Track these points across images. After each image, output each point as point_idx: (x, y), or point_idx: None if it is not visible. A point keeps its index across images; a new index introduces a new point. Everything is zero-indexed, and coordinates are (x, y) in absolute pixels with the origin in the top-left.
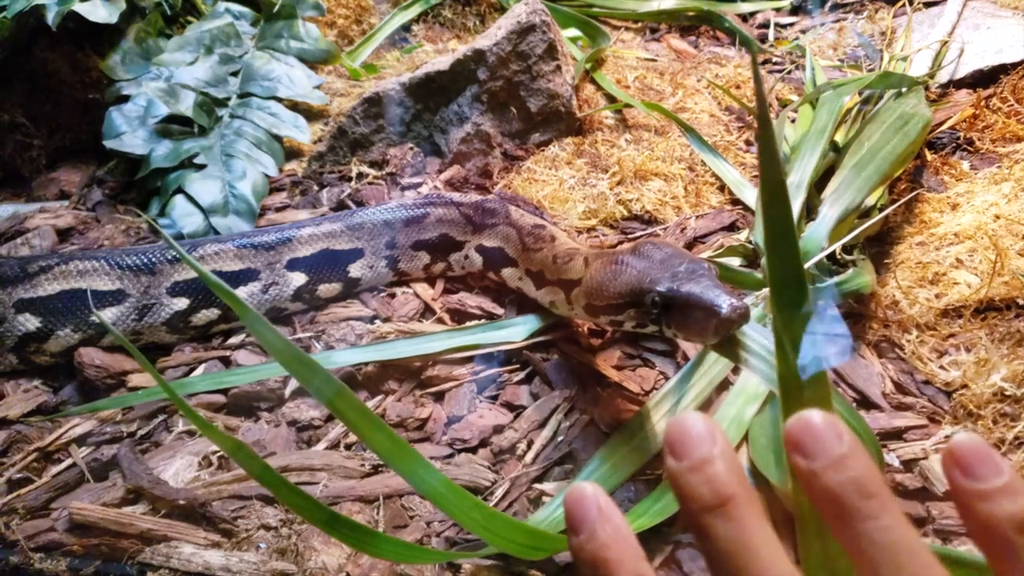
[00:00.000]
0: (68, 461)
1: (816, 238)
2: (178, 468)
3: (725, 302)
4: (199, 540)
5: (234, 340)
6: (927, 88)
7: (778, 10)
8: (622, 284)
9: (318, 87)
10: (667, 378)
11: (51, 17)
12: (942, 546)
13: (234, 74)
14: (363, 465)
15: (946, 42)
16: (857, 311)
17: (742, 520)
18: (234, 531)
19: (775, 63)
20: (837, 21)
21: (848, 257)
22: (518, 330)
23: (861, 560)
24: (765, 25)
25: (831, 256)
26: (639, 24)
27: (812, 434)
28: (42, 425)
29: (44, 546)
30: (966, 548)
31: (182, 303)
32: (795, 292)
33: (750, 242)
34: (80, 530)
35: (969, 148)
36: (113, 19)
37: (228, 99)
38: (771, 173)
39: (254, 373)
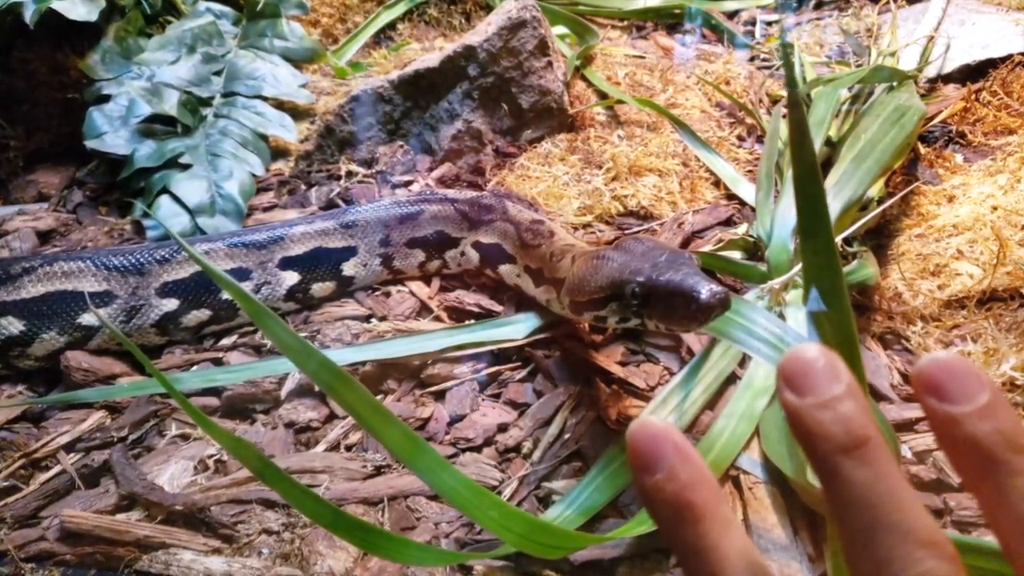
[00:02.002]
0: (57, 468)
1: None
2: (173, 473)
3: (704, 288)
4: (199, 546)
5: (226, 341)
6: (915, 83)
7: (763, 7)
8: (602, 278)
9: (304, 86)
10: (672, 373)
11: (29, 15)
12: (960, 536)
13: (217, 73)
14: (365, 466)
15: (932, 38)
16: (861, 303)
17: (881, 464)
18: (235, 536)
19: (763, 59)
20: (821, 18)
21: (850, 250)
22: (519, 327)
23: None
24: (751, 23)
25: None
26: (625, 23)
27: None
28: (28, 432)
29: (36, 556)
30: (989, 538)
31: (172, 304)
32: (827, 260)
33: (750, 236)
34: (73, 539)
35: (961, 141)
36: (92, 17)
37: (212, 98)
38: (803, 152)
39: (250, 371)
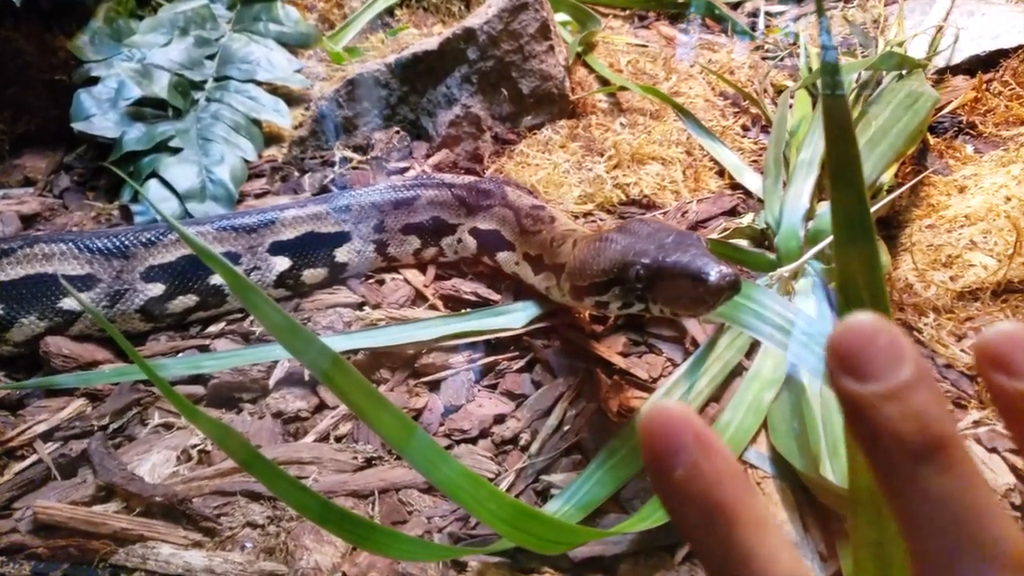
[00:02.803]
0: (33, 457)
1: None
2: (155, 463)
3: (713, 269)
4: (178, 540)
5: (213, 328)
6: (924, 73)
7: None
8: (606, 260)
9: (299, 71)
10: (675, 365)
11: None
12: None
13: (210, 57)
14: (355, 458)
15: (941, 28)
16: None
17: (964, 471)
18: (217, 529)
19: (767, 51)
20: (827, 10)
21: None
22: (517, 316)
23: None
24: (754, 14)
25: None
26: (627, 12)
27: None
28: (4, 420)
29: (6, 549)
30: None
31: (157, 289)
32: (860, 229)
33: (757, 224)
34: (46, 531)
35: (972, 132)
36: None
37: (205, 82)
38: (836, 110)
39: (236, 358)
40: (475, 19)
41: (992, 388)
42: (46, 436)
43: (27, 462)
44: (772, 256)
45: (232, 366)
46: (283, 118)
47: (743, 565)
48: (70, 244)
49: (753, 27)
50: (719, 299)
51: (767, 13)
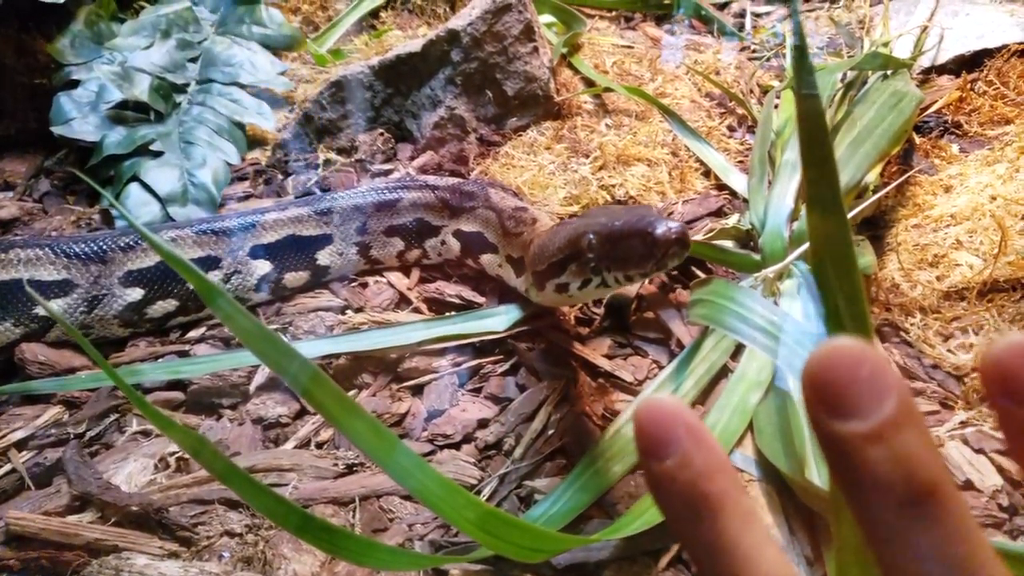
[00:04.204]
0: (7, 467)
1: None
2: (131, 471)
3: (660, 223)
4: (154, 550)
5: (194, 334)
6: (910, 73)
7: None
8: (560, 239)
9: (282, 73)
10: (660, 367)
11: None
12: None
13: (193, 60)
14: (336, 464)
15: (926, 28)
16: None
17: (954, 521)
18: (194, 539)
19: (754, 51)
20: (812, 10)
21: None
22: (500, 319)
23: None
24: (741, 14)
25: None
26: (613, 13)
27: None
28: None
29: None
30: (998, 540)
31: (136, 293)
32: (832, 205)
33: (743, 225)
34: (18, 542)
35: (957, 131)
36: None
37: (187, 85)
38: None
39: (215, 363)
40: (458, 21)
41: (1001, 416)
42: (21, 444)
43: (1, 471)
44: (757, 257)
45: (211, 371)
46: (266, 121)
47: (728, 555)
48: (47, 249)
49: (740, 27)
50: (667, 252)
51: (754, 13)
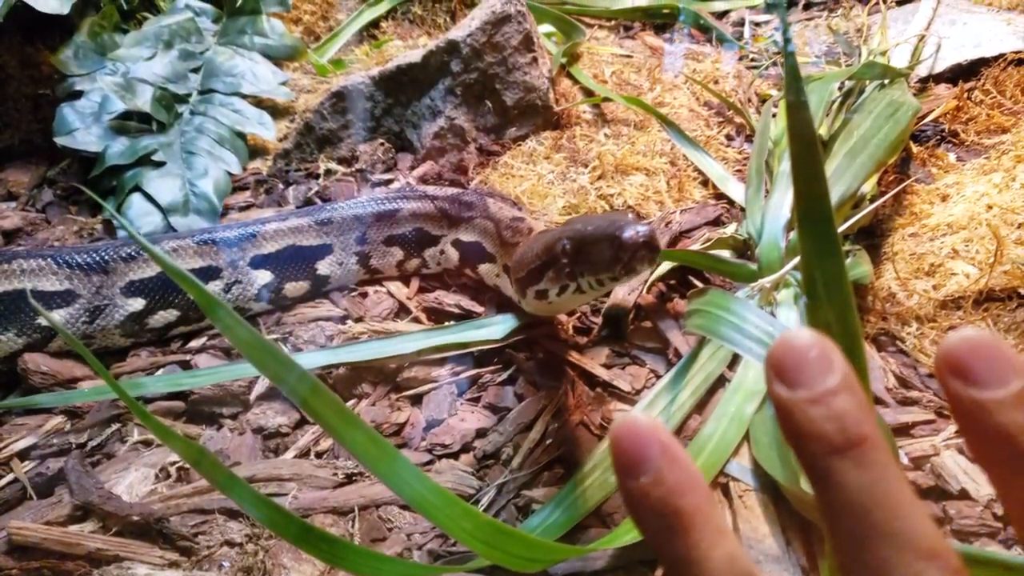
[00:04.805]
0: (9, 476)
1: None
2: (132, 481)
3: (628, 228)
4: (155, 559)
5: (195, 343)
6: (907, 82)
7: (752, 8)
8: (538, 246)
9: (284, 83)
10: (658, 376)
11: None
12: (962, 546)
13: (195, 71)
14: (336, 474)
15: (923, 37)
16: None
17: (878, 466)
18: (194, 548)
19: (752, 60)
20: (811, 19)
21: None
22: (496, 328)
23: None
24: (740, 23)
25: None
26: (613, 22)
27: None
28: None
29: None
30: (991, 549)
31: (138, 304)
32: (822, 220)
33: (740, 234)
34: (20, 552)
35: (954, 140)
36: (65, 10)
37: (189, 95)
38: (798, 113)
39: (215, 375)
40: (458, 32)
41: (949, 394)
42: (23, 454)
43: (3, 481)
44: (754, 267)
45: (212, 383)
46: (268, 131)
47: (697, 570)
48: (49, 259)
49: (739, 36)
50: (634, 256)
51: (752, 22)
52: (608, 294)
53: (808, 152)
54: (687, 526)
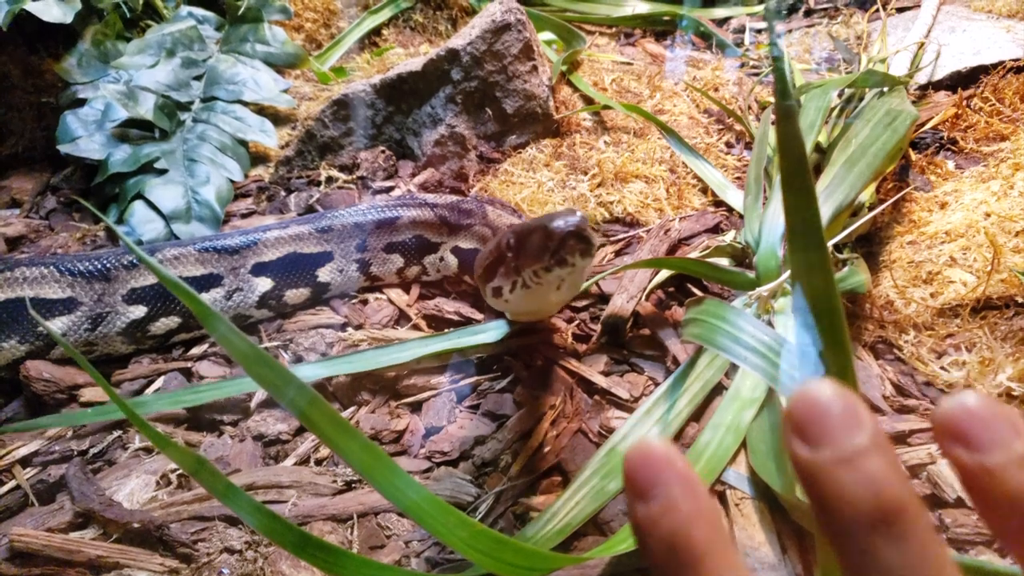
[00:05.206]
0: (11, 483)
1: None
2: (133, 488)
3: (559, 218)
4: (155, 566)
5: (196, 351)
6: (906, 90)
7: (753, 15)
8: (493, 243)
9: (285, 91)
10: (656, 384)
11: (1, 17)
12: (957, 556)
13: (197, 78)
14: (335, 481)
15: (923, 44)
16: (851, 311)
17: (919, 541)
18: (194, 555)
19: (753, 66)
20: (811, 26)
21: (840, 256)
22: (490, 334)
23: None
24: (740, 30)
25: None
26: (613, 29)
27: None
28: None
29: None
30: (986, 558)
31: (139, 311)
32: (812, 236)
33: (738, 242)
34: (21, 559)
35: (953, 148)
36: (68, 19)
37: (191, 103)
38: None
39: (217, 390)
40: (459, 40)
41: (952, 460)
42: (25, 461)
43: (5, 488)
44: (752, 275)
45: (213, 399)
46: (269, 138)
47: None
48: (51, 267)
49: (739, 43)
50: (562, 245)
51: (753, 29)
52: (605, 302)
53: (798, 165)
54: (697, 559)
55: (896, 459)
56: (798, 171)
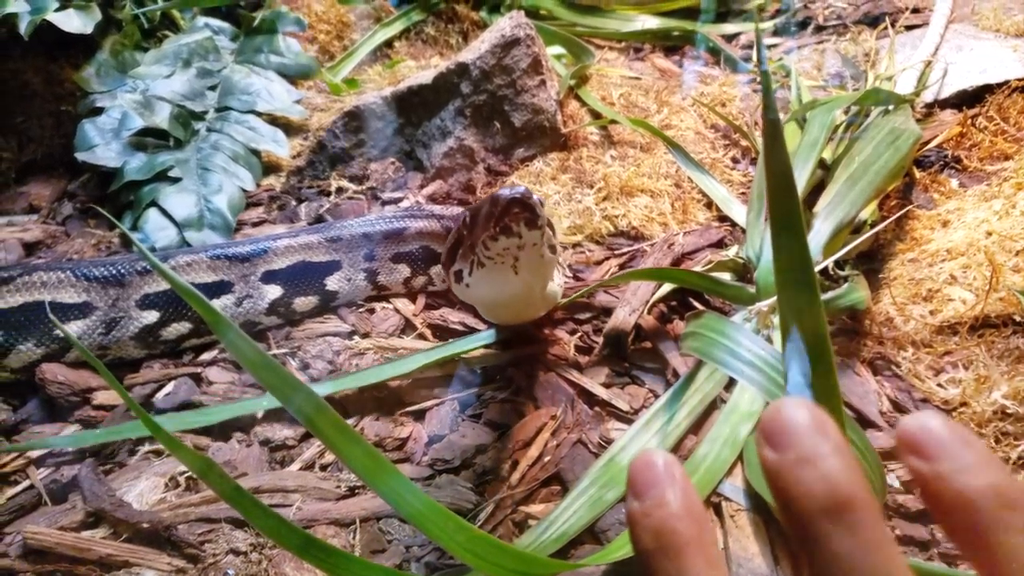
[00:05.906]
0: (26, 483)
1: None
2: (143, 489)
3: (504, 188)
4: (163, 566)
5: (206, 356)
6: (912, 108)
7: (762, 31)
8: (454, 228)
9: (298, 101)
10: (656, 396)
11: (23, 27)
12: (947, 570)
13: (212, 88)
14: (338, 487)
15: (930, 62)
16: (850, 328)
17: (868, 532)
18: (201, 556)
19: (760, 83)
20: (820, 43)
21: (841, 273)
22: (479, 340)
23: None
24: (749, 46)
25: (824, 272)
26: (623, 44)
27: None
28: None
29: None
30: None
31: (152, 316)
32: (801, 272)
33: (741, 257)
34: (35, 556)
35: (957, 166)
36: (88, 30)
37: (206, 112)
38: (776, 155)
39: (225, 412)
40: (468, 54)
41: (911, 469)
42: (39, 461)
43: (19, 487)
44: (752, 290)
45: (223, 419)
46: (282, 148)
47: None
48: (68, 272)
49: (748, 59)
50: (507, 211)
51: (763, 46)
52: (608, 315)
53: (786, 201)
54: (680, 549)
55: (855, 464)
56: (783, 186)
